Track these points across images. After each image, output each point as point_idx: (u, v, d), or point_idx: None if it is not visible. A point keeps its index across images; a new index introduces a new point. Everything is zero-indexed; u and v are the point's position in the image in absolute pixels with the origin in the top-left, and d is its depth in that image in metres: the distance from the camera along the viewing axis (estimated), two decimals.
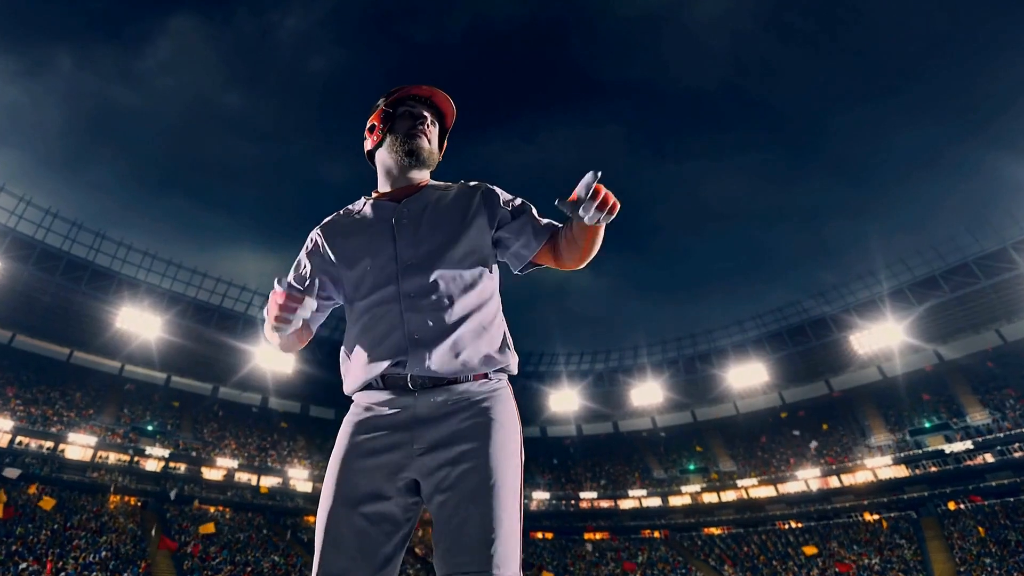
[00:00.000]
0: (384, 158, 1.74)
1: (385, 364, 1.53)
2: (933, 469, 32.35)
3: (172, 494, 32.15)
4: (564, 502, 43.12)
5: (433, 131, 1.74)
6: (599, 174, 1.32)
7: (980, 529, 27.64)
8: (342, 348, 1.68)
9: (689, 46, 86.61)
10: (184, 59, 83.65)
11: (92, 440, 32.00)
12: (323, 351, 41.00)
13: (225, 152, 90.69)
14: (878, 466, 34.36)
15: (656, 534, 39.29)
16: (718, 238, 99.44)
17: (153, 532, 28.21)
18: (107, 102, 79.95)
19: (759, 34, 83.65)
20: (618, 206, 1.38)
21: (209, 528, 28.05)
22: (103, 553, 24.68)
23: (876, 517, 33.13)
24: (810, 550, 30.58)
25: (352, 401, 1.63)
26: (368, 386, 1.57)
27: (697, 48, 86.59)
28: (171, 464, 34.09)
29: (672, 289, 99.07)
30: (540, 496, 43.69)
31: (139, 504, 31.19)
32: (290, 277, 1.73)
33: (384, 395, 1.54)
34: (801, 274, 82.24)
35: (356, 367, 1.60)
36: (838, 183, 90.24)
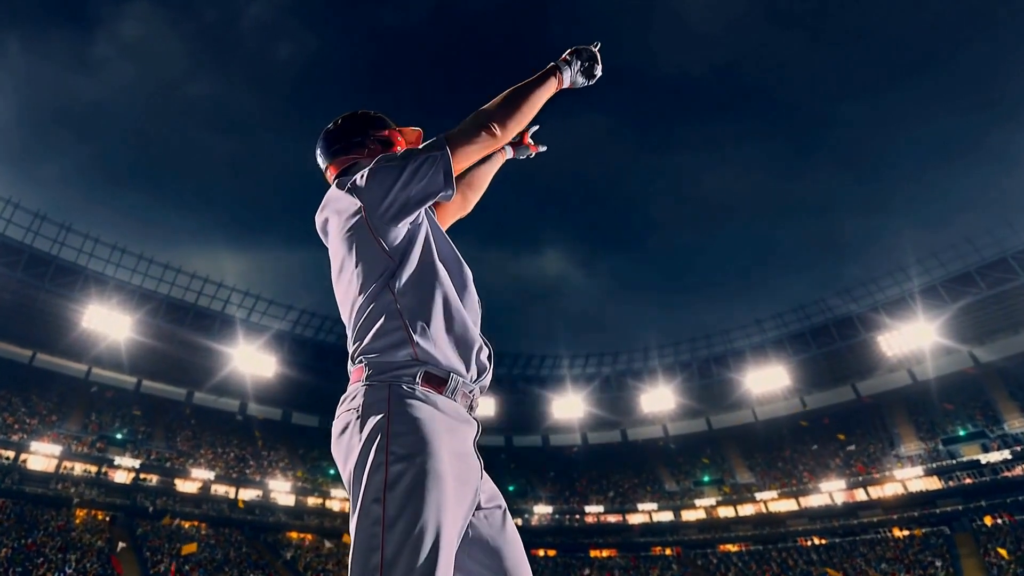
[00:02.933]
0: None
1: (480, 357, 1.64)
2: (968, 481, 32.21)
3: (150, 508, 32.18)
4: (568, 517, 43.03)
5: None
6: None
7: (1002, 552, 27.47)
8: (394, 310, 1.57)
9: (680, 29, 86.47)
10: (145, 46, 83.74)
11: (56, 449, 31.92)
12: (306, 353, 40.97)
13: (195, 143, 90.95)
14: (908, 478, 34.24)
15: (668, 551, 39.16)
16: (722, 234, 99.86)
17: (118, 549, 28.14)
18: (64, 90, 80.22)
19: (756, 14, 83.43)
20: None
21: (191, 548, 28.11)
22: (68, 571, 24.61)
23: (906, 533, 33.01)
24: (834, 574, 30.55)
25: (397, 383, 1.52)
26: (443, 381, 1.53)
27: (689, 31, 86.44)
28: (142, 476, 34.06)
29: (675, 288, 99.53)
30: (542, 510, 43.61)
31: (107, 519, 31.16)
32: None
33: (458, 403, 1.56)
34: (819, 271, 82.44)
35: (452, 345, 1.58)
36: (850, 177, 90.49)
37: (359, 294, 1.60)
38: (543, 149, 2.15)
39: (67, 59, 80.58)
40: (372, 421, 1.42)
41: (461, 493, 1.42)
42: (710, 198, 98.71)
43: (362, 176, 1.65)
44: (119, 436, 35.62)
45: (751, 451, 43.11)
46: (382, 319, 1.55)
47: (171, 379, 40.65)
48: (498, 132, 1.65)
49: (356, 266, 1.61)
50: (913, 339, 36.18)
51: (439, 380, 1.51)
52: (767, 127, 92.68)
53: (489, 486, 1.60)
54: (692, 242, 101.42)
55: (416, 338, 1.51)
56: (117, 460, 33.66)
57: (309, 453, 41.50)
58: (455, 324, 1.58)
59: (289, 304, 39.98)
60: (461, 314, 1.60)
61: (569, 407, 46.02)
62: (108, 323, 34.31)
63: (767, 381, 41.44)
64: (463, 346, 1.58)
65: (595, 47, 1.87)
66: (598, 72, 1.87)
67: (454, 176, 1.61)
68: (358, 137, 1.90)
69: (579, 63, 1.84)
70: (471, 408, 1.58)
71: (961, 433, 34.28)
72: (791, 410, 43.84)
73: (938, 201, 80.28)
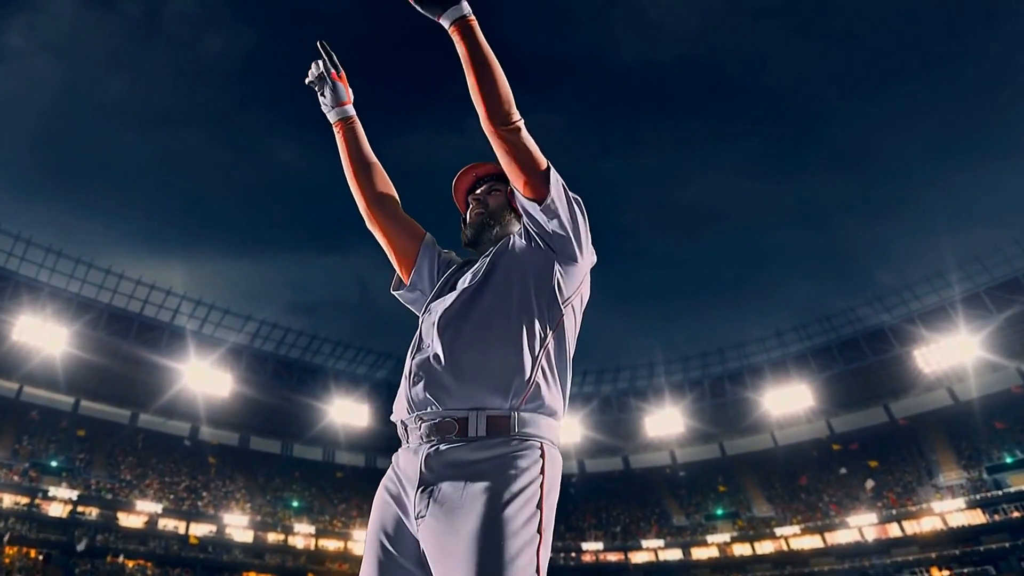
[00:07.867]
0: None
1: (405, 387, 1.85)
2: (1016, 514, 31.97)
3: (81, 545, 31.95)
4: (563, 555, 42.72)
5: (477, 204, 2.08)
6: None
7: None
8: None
9: (646, 15, 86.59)
10: (69, 38, 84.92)
11: None
12: (266, 370, 40.84)
13: (126, 141, 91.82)
14: (948, 511, 34.08)
15: None
16: (715, 241, 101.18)
17: None
18: None
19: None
20: None
21: None
22: None
23: (946, 573, 32.72)
24: None
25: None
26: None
27: (653, 20, 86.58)
28: (80, 508, 33.83)
29: (672, 298, 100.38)
30: None
31: (41, 557, 30.95)
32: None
33: (410, 444, 1.73)
34: (836, 278, 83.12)
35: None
36: (860, 178, 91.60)
37: None
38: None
39: None
40: None
41: (374, 532, 1.62)
42: (698, 202, 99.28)
43: None
44: (54, 464, 35.41)
45: (770, 480, 43.03)
46: None
47: (113, 399, 40.50)
48: None
49: None
50: (954, 354, 36.01)
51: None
52: (759, 126, 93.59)
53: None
54: (682, 249, 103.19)
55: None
56: (52, 491, 33.40)
57: (270, 483, 41.32)
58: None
59: (247, 315, 39.83)
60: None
61: (564, 430, 45.65)
62: (42, 336, 34.19)
63: (788, 401, 41.26)
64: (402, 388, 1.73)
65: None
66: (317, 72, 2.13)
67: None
68: None
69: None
70: (425, 440, 1.59)
71: (1008, 460, 34.10)
72: (816, 434, 43.70)
73: (978, 201, 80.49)
